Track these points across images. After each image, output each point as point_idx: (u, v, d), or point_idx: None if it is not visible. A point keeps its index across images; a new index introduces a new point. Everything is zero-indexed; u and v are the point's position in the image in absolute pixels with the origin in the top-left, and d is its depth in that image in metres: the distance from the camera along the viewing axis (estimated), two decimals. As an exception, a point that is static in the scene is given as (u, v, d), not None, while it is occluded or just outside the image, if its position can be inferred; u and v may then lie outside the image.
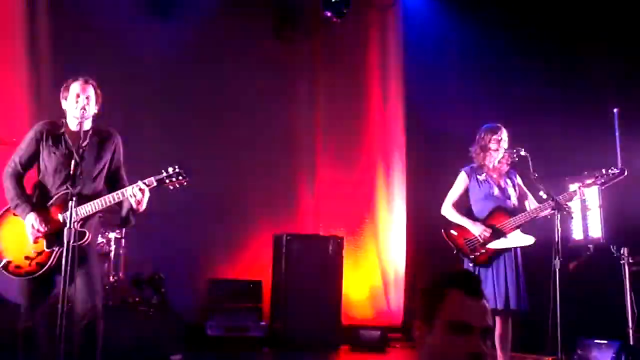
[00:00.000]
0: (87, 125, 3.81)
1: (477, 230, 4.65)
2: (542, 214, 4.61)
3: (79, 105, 3.75)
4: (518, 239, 4.65)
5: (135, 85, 7.46)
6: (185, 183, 3.80)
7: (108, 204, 3.73)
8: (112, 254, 6.51)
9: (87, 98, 3.78)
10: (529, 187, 4.87)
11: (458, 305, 1.70)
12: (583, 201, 5.25)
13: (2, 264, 3.68)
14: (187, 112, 7.83)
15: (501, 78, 7.73)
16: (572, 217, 4.78)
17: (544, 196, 4.50)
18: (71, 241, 3.31)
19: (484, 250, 4.62)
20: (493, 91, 7.75)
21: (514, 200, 4.82)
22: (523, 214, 4.73)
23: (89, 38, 7.28)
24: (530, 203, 4.85)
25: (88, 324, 3.60)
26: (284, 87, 8.46)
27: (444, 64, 8.36)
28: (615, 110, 6.20)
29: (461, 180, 4.88)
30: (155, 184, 3.74)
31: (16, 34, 7.04)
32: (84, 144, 3.60)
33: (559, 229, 4.30)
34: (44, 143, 3.77)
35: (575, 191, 4.68)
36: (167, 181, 3.77)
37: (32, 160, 3.82)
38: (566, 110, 7.04)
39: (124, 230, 6.67)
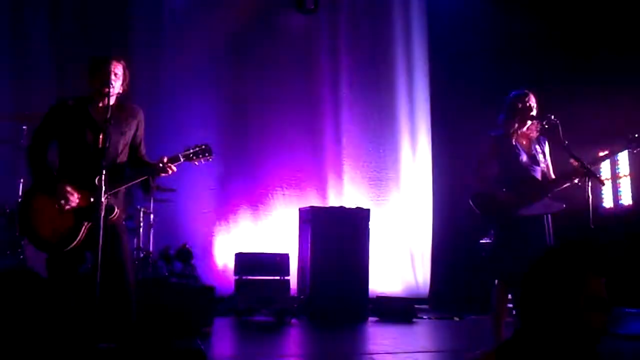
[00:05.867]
0: (112, 101, 3.82)
1: (505, 197, 4.56)
2: (573, 181, 4.51)
3: (107, 80, 3.75)
4: (548, 206, 4.55)
5: (160, 59, 7.51)
6: (210, 159, 3.92)
7: (136, 179, 3.80)
8: (141, 229, 6.59)
9: (115, 74, 3.80)
10: (560, 154, 4.76)
11: (595, 285, 1.82)
12: (614, 166, 5.13)
13: (33, 240, 3.75)
14: (211, 87, 7.85)
15: (529, 44, 7.59)
16: (603, 185, 4.67)
17: (575, 164, 4.39)
18: (102, 215, 3.34)
19: (513, 218, 4.53)
20: (521, 57, 7.62)
21: (543, 167, 4.71)
22: (553, 180, 4.64)
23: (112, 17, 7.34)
24: (553, 173, 4.74)
25: (121, 297, 3.66)
26: (308, 60, 8.41)
27: (469, 29, 8.21)
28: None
29: (490, 147, 4.76)
30: (181, 160, 3.84)
31: (40, 7, 7.10)
32: (109, 118, 3.60)
33: (590, 196, 4.20)
34: (68, 118, 3.79)
35: (604, 155, 4.57)
36: (193, 158, 3.87)
37: (54, 135, 3.85)
38: (597, 77, 6.90)
39: (152, 205, 6.75)
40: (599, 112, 6.64)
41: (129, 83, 3.95)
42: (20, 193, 5.86)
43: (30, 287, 4.70)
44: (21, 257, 5.83)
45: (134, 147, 3.97)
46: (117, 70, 3.83)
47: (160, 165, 3.79)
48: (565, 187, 4.59)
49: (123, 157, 3.89)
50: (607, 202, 7.06)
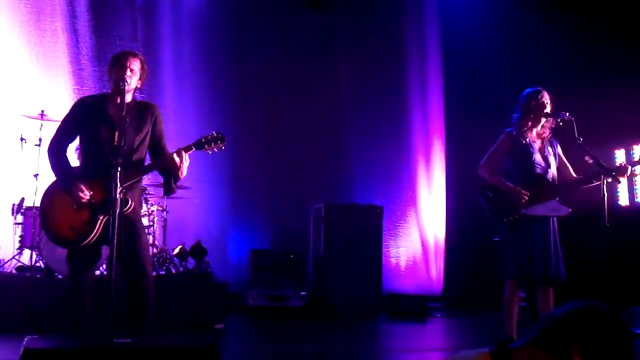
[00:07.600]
0: (128, 98, 3.84)
1: (514, 194, 4.51)
2: (586, 185, 4.46)
3: (123, 76, 3.77)
4: (554, 209, 4.47)
5: (173, 60, 7.54)
6: (223, 147, 3.87)
7: (149, 171, 3.83)
8: (155, 226, 6.62)
9: (131, 70, 3.81)
10: (574, 153, 4.70)
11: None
12: (630, 178, 5.05)
13: (51, 236, 3.78)
14: (220, 84, 7.86)
15: (544, 43, 7.53)
16: (619, 182, 4.60)
17: (590, 161, 4.35)
18: (117, 210, 3.36)
19: (518, 216, 4.48)
20: (535, 57, 7.57)
21: (553, 169, 4.65)
22: (570, 182, 4.59)
23: (128, 12, 7.37)
24: (568, 175, 4.68)
25: (139, 288, 3.70)
26: (320, 58, 8.39)
27: (483, 29, 8.16)
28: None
29: (502, 142, 4.70)
30: (193, 149, 3.81)
31: (56, 8, 7.15)
32: (124, 115, 3.62)
33: (606, 194, 4.17)
34: (86, 116, 3.83)
35: (622, 165, 4.52)
36: (206, 146, 3.84)
37: (74, 133, 3.89)
38: (612, 76, 6.84)
39: (166, 203, 6.79)
40: (615, 110, 6.58)
41: (146, 79, 3.96)
42: (37, 189, 5.93)
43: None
44: (35, 251, 5.89)
45: (154, 143, 3.97)
46: (134, 66, 3.83)
47: (172, 156, 3.76)
48: (575, 189, 4.56)
49: (140, 154, 3.90)
50: (623, 200, 7.01)
